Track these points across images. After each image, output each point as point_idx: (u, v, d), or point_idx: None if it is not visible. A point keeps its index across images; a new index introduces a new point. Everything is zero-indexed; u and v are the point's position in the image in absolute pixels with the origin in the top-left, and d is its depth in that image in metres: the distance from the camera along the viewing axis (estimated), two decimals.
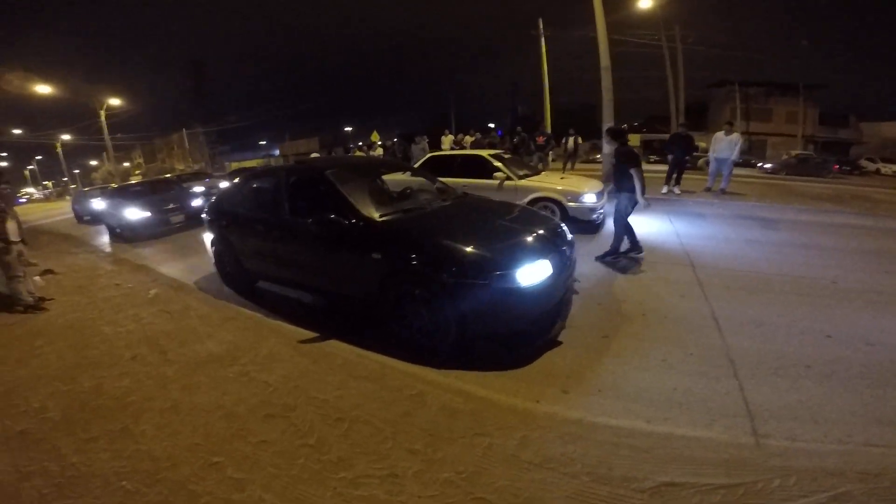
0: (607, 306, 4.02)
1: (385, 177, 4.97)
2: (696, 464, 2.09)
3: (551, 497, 1.92)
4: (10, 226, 4.77)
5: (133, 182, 13.40)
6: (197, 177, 18.21)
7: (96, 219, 13.17)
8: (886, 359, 3.01)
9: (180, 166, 47.60)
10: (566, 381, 2.84)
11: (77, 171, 53.08)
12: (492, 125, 40.77)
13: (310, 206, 3.85)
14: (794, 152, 25.52)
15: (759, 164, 25.19)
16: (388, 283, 3.31)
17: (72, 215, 15.53)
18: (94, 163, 56.45)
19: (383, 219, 3.56)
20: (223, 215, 4.91)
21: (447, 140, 16.07)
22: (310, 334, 3.61)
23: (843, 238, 6.39)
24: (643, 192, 4.99)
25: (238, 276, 4.89)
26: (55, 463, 2.36)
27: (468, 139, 15.91)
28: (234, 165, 43.52)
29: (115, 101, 25.96)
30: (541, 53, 20.16)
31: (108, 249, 8.91)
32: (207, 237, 5.24)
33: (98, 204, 12.67)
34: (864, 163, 28.16)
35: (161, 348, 3.63)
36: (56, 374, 3.35)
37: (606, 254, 5.29)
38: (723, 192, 9.98)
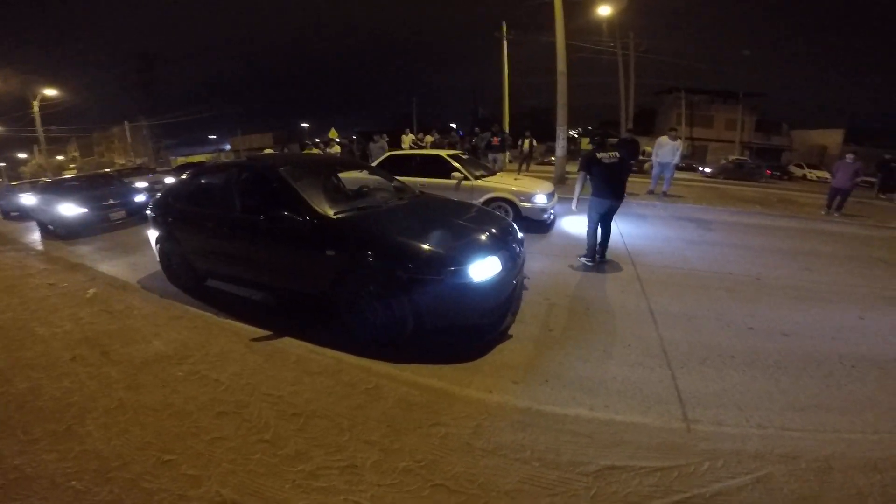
0: (554, 302, 4.23)
1: (342, 175, 4.96)
2: (634, 448, 2.25)
3: (504, 482, 2.03)
4: None
5: (68, 176, 12.54)
6: (139, 172, 17.37)
7: (25, 215, 12.25)
8: (800, 348, 3.36)
9: (121, 161, 44.83)
10: (516, 372, 2.99)
11: (2, 164, 48.82)
12: (453, 126, 41.09)
13: (262, 202, 3.79)
14: (731, 157, 27.34)
15: (700, 168, 26.83)
16: (343, 279, 3.34)
17: None
18: (22, 156, 52.09)
19: (338, 216, 3.57)
20: (170, 211, 4.73)
21: (407, 139, 16.07)
22: (262, 332, 3.57)
23: (768, 238, 6.99)
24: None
25: (185, 274, 4.73)
26: None
27: (429, 139, 15.99)
28: (181, 160, 41.43)
29: (50, 92, 24.02)
30: (503, 57, 20.55)
31: (39, 247, 8.29)
32: (152, 234, 5.02)
33: (28, 199, 11.79)
34: (793, 168, 30.51)
35: (103, 348, 3.46)
36: None
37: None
38: (664, 194, 10.55)
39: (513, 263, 3.54)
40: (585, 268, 5.24)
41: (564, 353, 3.26)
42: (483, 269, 3.13)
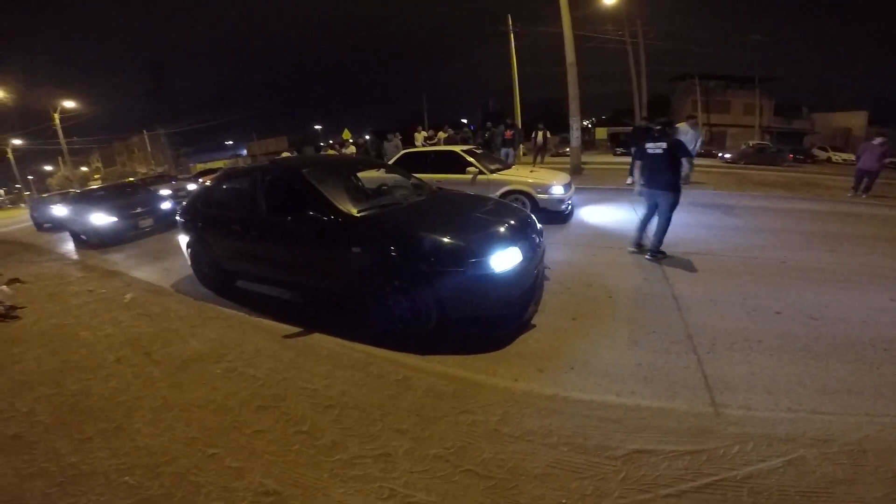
0: (576, 291, 4.27)
1: (361, 174, 5.07)
2: (662, 432, 2.29)
3: (533, 466, 2.09)
4: None
5: (97, 186, 12.98)
6: (162, 179, 17.83)
7: (58, 225, 12.73)
8: (828, 332, 3.32)
9: (142, 169, 45.99)
10: (541, 360, 3.06)
11: (31, 177, 50.57)
12: (464, 121, 41.04)
13: (287, 203, 3.93)
14: (751, 142, 26.69)
15: (720, 154, 26.27)
16: (368, 275, 3.45)
17: (29, 223, 14.92)
18: (48, 168, 53.87)
19: (361, 214, 3.68)
20: (199, 216, 4.92)
21: (420, 136, 16.17)
22: (293, 329, 3.71)
23: (792, 221, 6.87)
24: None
25: (216, 276, 4.92)
26: (54, 464, 2.38)
27: (441, 135, 16.05)
28: (200, 167, 42.36)
29: (69, 104, 24.81)
30: (510, 49, 20.47)
31: (74, 256, 8.66)
32: (183, 239, 5.22)
33: (59, 210, 12.25)
34: (816, 152, 29.70)
35: (144, 349, 3.65)
36: (39, 380, 3.33)
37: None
38: (685, 181, 10.39)
39: (533, 254, 3.59)
40: (599, 255, 5.32)
41: (589, 341, 3.31)
42: (504, 259, 3.19)
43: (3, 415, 2.91)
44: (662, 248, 5.08)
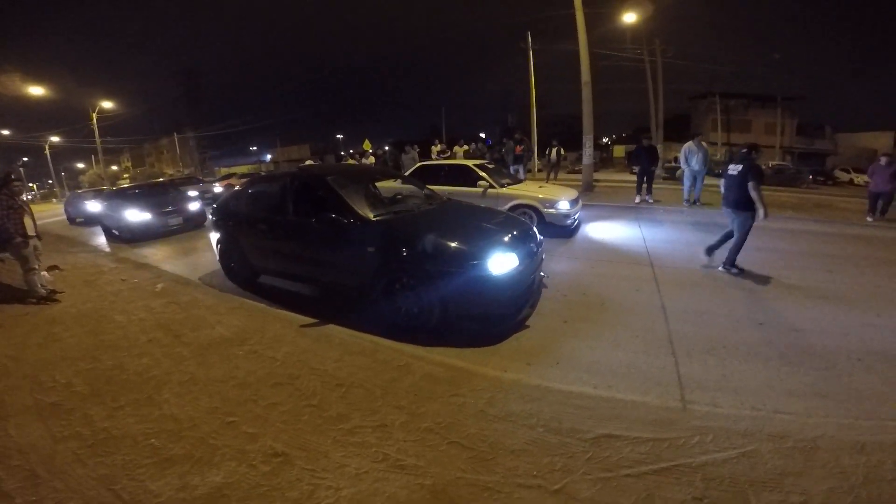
0: (572, 298, 4.56)
1: (378, 183, 5.46)
2: (631, 421, 2.54)
3: (511, 442, 2.37)
4: (27, 221, 5.14)
5: (131, 185, 13.69)
6: (190, 181, 18.58)
7: (89, 220, 13.42)
8: (807, 343, 3.53)
9: (169, 171, 47.55)
10: (530, 355, 3.37)
11: (63, 173, 52.65)
12: (482, 135, 41.55)
13: (312, 207, 4.37)
14: (771, 163, 26.51)
15: None
16: (381, 272, 3.83)
17: (61, 217, 15.69)
18: (80, 165, 56.04)
19: (377, 218, 4.10)
20: (230, 216, 5.39)
21: (435, 149, 16.63)
22: (310, 320, 4.08)
23: (796, 242, 7.01)
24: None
25: (242, 271, 5.35)
26: (87, 428, 2.68)
27: (458, 150, 16.44)
28: (224, 171, 43.65)
29: (107, 104, 26.05)
30: (529, 66, 20.89)
31: (106, 249, 9.22)
32: (213, 236, 5.67)
33: (93, 206, 12.95)
34: (838, 173, 29.23)
35: (174, 333, 4.03)
36: (78, 356, 3.70)
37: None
38: (697, 202, 10.42)
39: (530, 260, 3.93)
40: (598, 267, 5.59)
41: (576, 341, 3.60)
42: (501, 263, 3.54)
43: (44, 385, 3.25)
44: (738, 264, 5.32)
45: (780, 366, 3.19)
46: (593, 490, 2.02)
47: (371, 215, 4.10)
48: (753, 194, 4.95)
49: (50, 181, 51.24)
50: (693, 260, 5.81)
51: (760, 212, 4.97)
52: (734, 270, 5.26)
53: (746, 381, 2.98)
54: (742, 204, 5.07)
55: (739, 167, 5.16)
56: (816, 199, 13.33)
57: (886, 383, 2.95)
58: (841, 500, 1.92)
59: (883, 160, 9.19)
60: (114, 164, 60.23)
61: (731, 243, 5.29)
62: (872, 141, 37.49)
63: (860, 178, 27.41)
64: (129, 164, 63.19)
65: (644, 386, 2.94)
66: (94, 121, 26.04)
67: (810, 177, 24.50)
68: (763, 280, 5.04)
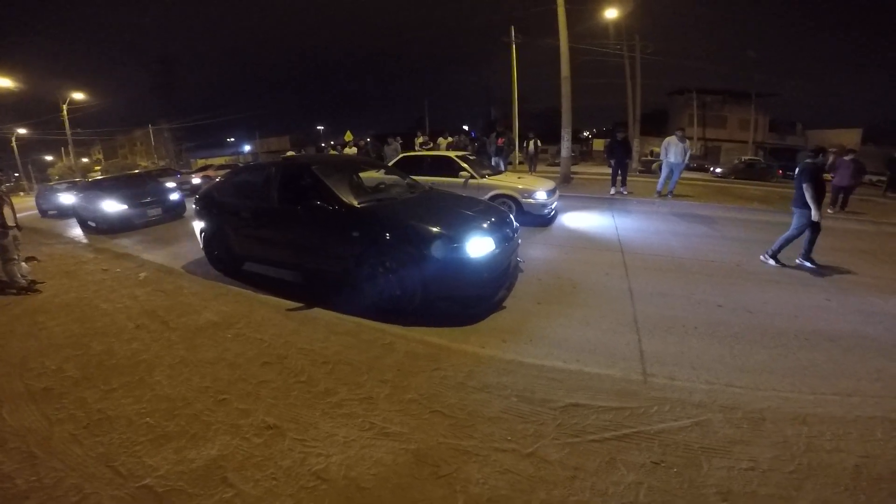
0: (546, 282, 4.83)
1: (363, 174, 5.60)
2: (596, 392, 2.76)
3: (488, 411, 2.57)
4: (7, 211, 5.11)
5: (108, 175, 13.43)
6: (167, 173, 18.28)
7: (63, 213, 13.15)
8: (761, 323, 3.83)
9: (144, 163, 46.37)
10: (506, 333, 3.60)
11: (30, 166, 50.78)
12: (465, 127, 41.63)
13: (298, 194, 4.49)
14: (743, 158, 27.35)
15: (711, 169, 26.92)
16: (364, 257, 4.00)
17: (32, 211, 15.27)
18: (49, 158, 54.15)
19: (361, 205, 4.27)
20: (214, 204, 5.46)
21: (419, 141, 16.71)
22: (295, 304, 4.21)
23: (758, 231, 7.39)
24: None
25: (227, 258, 5.43)
26: (81, 410, 2.74)
27: (442, 141, 16.55)
28: (201, 162, 42.76)
29: (78, 96, 25.28)
30: (512, 60, 21.04)
31: (84, 241, 9.06)
32: (197, 224, 5.72)
33: (66, 198, 12.69)
34: None
35: (161, 319, 4.11)
36: (66, 343, 3.73)
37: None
38: (671, 194, 10.78)
39: (507, 245, 4.17)
40: (571, 253, 5.88)
41: (548, 321, 3.85)
42: (479, 247, 3.76)
43: (34, 371, 3.28)
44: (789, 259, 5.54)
45: (734, 343, 3.47)
46: (562, 453, 2.21)
47: (355, 202, 4.25)
48: (806, 194, 5.25)
49: (17, 174, 49.35)
50: (662, 247, 6.12)
51: (813, 213, 5.22)
52: (771, 262, 5.54)
53: (702, 357, 3.25)
54: (797, 201, 5.39)
55: (799, 167, 5.47)
56: (783, 192, 13.83)
57: (829, 361, 3.23)
58: (784, 467, 2.10)
59: (848, 157, 9.71)
60: (84, 156, 58.32)
61: (804, 237, 5.48)
62: (841, 137, 38.73)
63: (826, 175, 28.50)
64: (101, 156, 61.40)
65: (609, 360, 3.19)
66: (65, 112, 25.24)
67: (779, 171, 25.39)
68: (725, 266, 5.37)
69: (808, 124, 42.90)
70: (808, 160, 5.45)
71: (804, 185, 5.23)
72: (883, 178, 16.82)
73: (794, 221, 5.47)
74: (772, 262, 5.52)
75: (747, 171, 23.65)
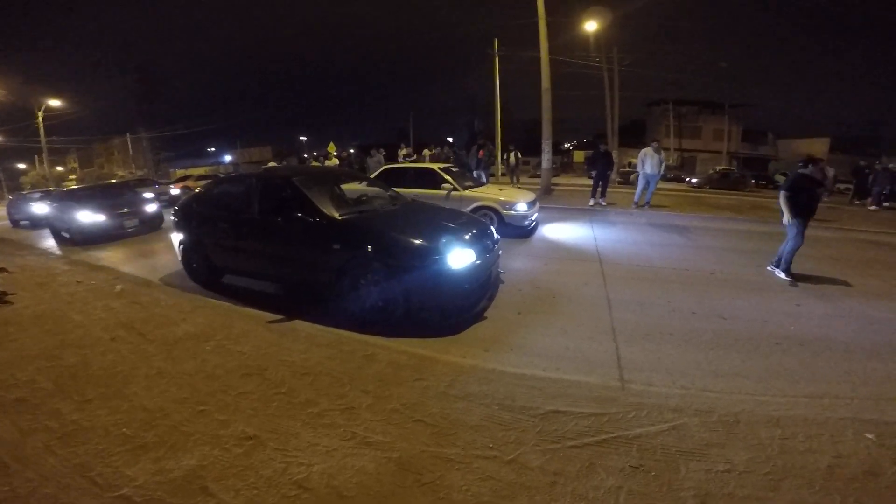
0: (526, 292, 4.90)
1: (344, 186, 5.62)
2: (575, 398, 2.81)
3: (470, 419, 2.60)
4: None
5: (84, 185, 13.15)
6: (144, 183, 17.97)
7: (35, 223, 12.80)
8: (734, 329, 3.97)
9: (121, 172, 45.50)
10: (487, 343, 3.65)
11: (1, 174, 49.27)
12: (450, 139, 41.92)
13: (278, 206, 4.48)
14: (718, 168, 28.15)
15: (687, 179, 27.63)
16: (346, 269, 4.01)
17: (2, 221, 14.86)
18: (21, 166, 52.61)
19: (343, 217, 4.27)
20: (193, 216, 5.40)
21: (402, 152, 16.82)
22: (275, 316, 4.18)
23: (731, 240, 7.66)
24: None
25: (206, 270, 5.36)
26: (55, 421, 2.68)
27: (426, 152, 16.65)
28: (180, 172, 42.10)
29: (55, 103, 24.72)
30: (495, 72, 21.38)
31: (57, 252, 8.84)
32: (176, 236, 5.65)
33: (40, 207, 12.37)
34: (778, 177, 31.32)
35: (138, 331, 4.02)
36: (38, 355, 3.62)
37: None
38: (647, 205, 11.07)
39: (487, 256, 4.23)
40: (550, 265, 5.91)
41: (528, 330, 3.91)
42: (460, 258, 3.81)
43: (5, 383, 3.18)
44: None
45: (708, 349, 3.58)
46: (543, 459, 2.24)
47: (336, 214, 4.26)
48: (780, 199, 5.43)
49: None
50: (638, 257, 6.28)
51: (784, 217, 5.44)
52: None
53: (678, 363, 3.34)
54: (786, 212, 5.46)
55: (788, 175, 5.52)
56: (754, 201, 14.37)
57: (800, 364, 3.35)
58: (760, 469, 2.15)
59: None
60: (59, 164, 56.90)
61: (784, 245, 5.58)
62: (810, 146, 40.10)
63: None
64: (76, 164, 59.96)
65: (588, 367, 3.26)
66: (40, 119, 24.63)
67: (752, 181, 26.21)
68: (699, 274, 5.54)
69: (778, 134, 44.42)
70: (798, 169, 5.59)
71: (781, 192, 5.40)
72: (850, 186, 17.45)
73: (788, 232, 5.52)
74: (783, 275, 5.47)
75: (722, 181, 24.34)
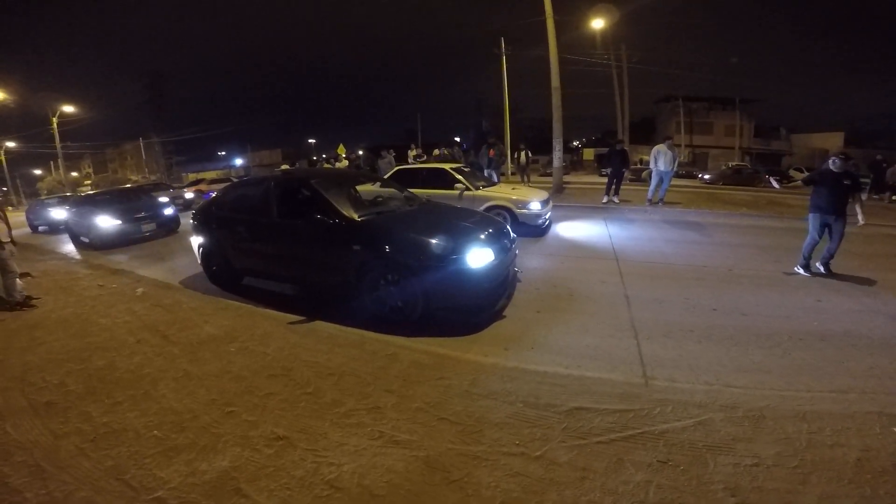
0: (544, 290, 4.91)
1: (360, 187, 5.67)
2: (600, 395, 2.82)
3: (495, 416, 2.62)
4: (1, 227, 5.11)
5: (101, 190, 13.37)
6: (159, 187, 18.23)
7: (53, 228, 13.04)
8: (755, 325, 3.94)
9: (134, 177, 46.09)
10: (507, 342, 3.67)
11: (18, 180, 50.19)
12: (457, 139, 41.95)
13: (297, 209, 4.55)
14: (731, 164, 27.86)
15: (700, 175, 27.36)
16: (366, 269, 4.05)
17: (24, 228, 15.12)
18: (38, 172, 53.59)
19: (362, 218, 4.33)
20: (212, 219, 5.48)
21: (412, 153, 16.84)
22: (297, 317, 4.23)
23: (748, 236, 7.58)
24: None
25: (226, 273, 5.45)
26: (87, 424, 2.73)
27: (436, 153, 16.62)
28: (193, 177, 42.58)
29: (69, 109, 25.15)
30: (502, 71, 21.36)
31: (77, 256, 9.02)
32: (195, 239, 5.74)
33: (58, 213, 12.60)
34: (793, 172, 30.89)
35: (162, 333, 4.10)
36: (66, 358, 3.71)
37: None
38: (661, 202, 10.99)
39: (505, 255, 4.24)
40: (567, 263, 5.87)
41: (548, 328, 3.92)
42: (479, 258, 3.83)
43: (35, 386, 3.26)
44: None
45: (730, 346, 3.56)
46: (570, 455, 2.26)
47: (356, 216, 4.31)
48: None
49: (5, 188, 48.70)
50: (655, 254, 6.25)
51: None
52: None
53: (700, 360, 3.33)
54: (811, 207, 5.48)
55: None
56: (770, 196, 14.14)
57: (822, 359, 3.33)
58: (788, 463, 2.15)
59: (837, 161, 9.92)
60: (74, 170, 57.82)
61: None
62: (824, 141, 39.68)
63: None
64: (91, 170, 60.92)
65: (610, 365, 3.26)
66: (55, 125, 25.08)
67: (766, 176, 25.85)
68: (717, 271, 5.49)
69: (791, 129, 43.82)
70: (826, 165, 5.53)
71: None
72: (866, 180, 17.15)
73: (809, 226, 5.48)
74: (804, 272, 5.44)
75: (735, 177, 24.09)
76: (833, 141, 38.70)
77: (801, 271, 5.44)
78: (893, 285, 5.04)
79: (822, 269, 5.44)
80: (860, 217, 5.49)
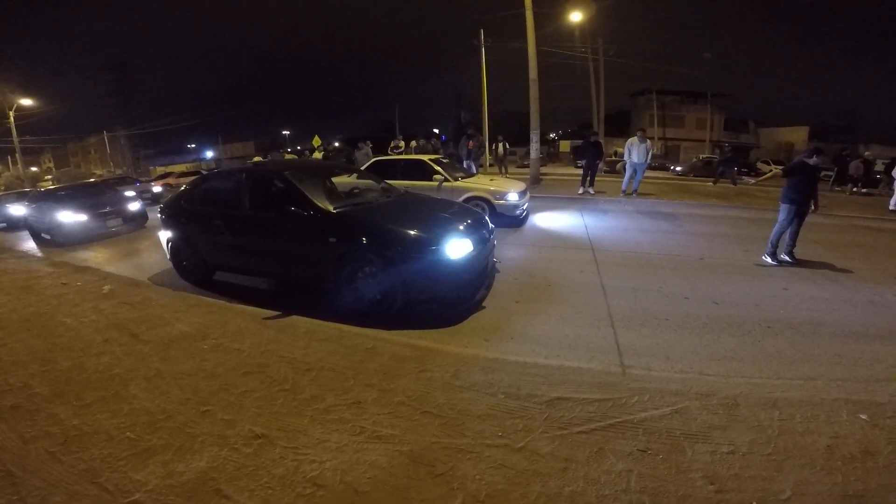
0: (522, 281, 4.94)
1: (335, 179, 5.56)
2: (579, 385, 2.85)
3: (477, 408, 2.61)
4: None
5: (64, 185, 12.78)
6: (124, 181, 17.58)
7: (13, 225, 12.42)
8: (726, 313, 4.04)
9: (99, 171, 44.36)
10: (487, 333, 3.68)
11: None
12: (436, 131, 41.72)
13: (271, 201, 4.42)
14: (701, 156, 28.53)
15: (672, 168, 27.98)
16: (343, 262, 3.98)
17: None
18: None
19: (338, 210, 4.23)
20: (182, 213, 5.28)
21: (392, 145, 16.68)
22: (272, 312, 4.13)
23: (718, 226, 7.79)
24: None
25: (196, 268, 5.28)
26: (56, 427, 2.61)
27: (413, 144, 16.51)
28: (161, 170, 41.21)
29: (27, 102, 23.91)
30: (481, 63, 21.27)
31: (38, 254, 8.60)
32: (163, 234, 5.53)
33: (17, 209, 12.01)
34: (760, 165, 31.89)
35: (131, 332, 3.94)
36: (29, 359, 3.53)
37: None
38: (635, 193, 11.19)
39: (483, 246, 4.25)
40: (544, 254, 5.94)
41: (527, 319, 3.95)
42: (457, 249, 3.82)
43: None
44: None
45: (703, 334, 3.65)
46: (552, 446, 2.27)
47: (331, 207, 4.22)
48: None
49: None
50: (629, 244, 6.36)
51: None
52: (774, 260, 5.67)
53: (675, 348, 3.40)
54: (782, 197, 5.66)
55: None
56: (739, 188, 14.58)
57: (791, 347, 3.43)
58: (762, 450, 2.20)
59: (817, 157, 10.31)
60: (33, 164, 55.26)
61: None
62: (790, 135, 41.03)
63: (779, 170, 30.06)
64: (52, 164, 58.33)
65: (588, 354, 3.30)
66: (12, 119, 23.80)
67: (735, 168, 26.59)
68: (689, 260, 5.63)
69: (759, 122, 45.11)
70: (802, 159, 5.70)
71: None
72: (829, 173, 17.79)
73: (779, 216, 5.67)
74: (770, 261, 5.60)
75: (705, 169, 24.62)
76: (798, 135, 40.03)
77: (769, 260, 5.60)
78: (854, 272, 5.26)
79: (787, 258, 5.62)
80: (813, 205, 5.74)
